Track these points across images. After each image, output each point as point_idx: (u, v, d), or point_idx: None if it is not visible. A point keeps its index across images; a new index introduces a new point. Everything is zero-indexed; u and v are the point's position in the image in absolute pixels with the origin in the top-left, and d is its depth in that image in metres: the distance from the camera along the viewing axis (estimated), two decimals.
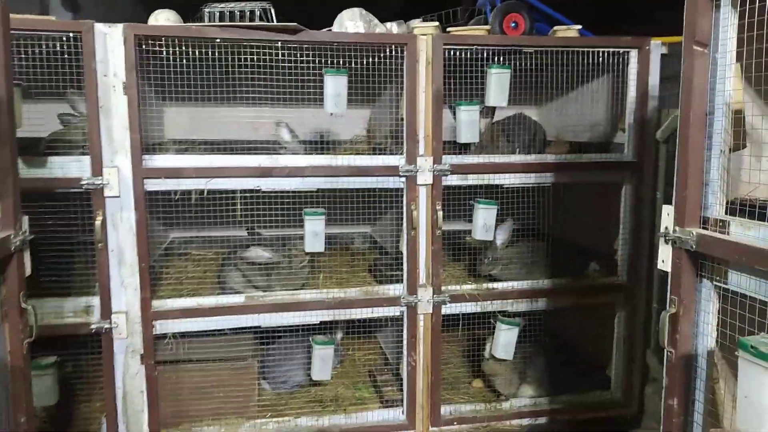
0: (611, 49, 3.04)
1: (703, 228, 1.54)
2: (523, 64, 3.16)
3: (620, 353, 3.23)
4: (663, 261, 1.62)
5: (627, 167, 3.12)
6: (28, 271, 1.70)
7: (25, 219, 1.70)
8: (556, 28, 3.08)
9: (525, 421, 3.14)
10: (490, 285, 3.06)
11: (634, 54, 3.06)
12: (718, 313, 1.52)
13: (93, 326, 2.68)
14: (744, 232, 1.41)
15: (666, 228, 1.60)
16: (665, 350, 1.61)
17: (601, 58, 3.05)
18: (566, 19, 3.28)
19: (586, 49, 3.02)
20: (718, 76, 1.47)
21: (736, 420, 1.28)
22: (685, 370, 1.57)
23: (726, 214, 1.50)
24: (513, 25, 3.11)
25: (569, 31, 3.06)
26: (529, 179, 3.05)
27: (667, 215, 1.60)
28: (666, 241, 1.60)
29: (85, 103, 2.57)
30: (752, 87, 1.53)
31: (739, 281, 1.43)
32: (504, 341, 2.98)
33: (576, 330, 3.61)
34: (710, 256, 1.51)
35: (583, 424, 3.15)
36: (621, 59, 3.09)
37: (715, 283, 1.53)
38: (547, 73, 3.20)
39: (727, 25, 1.46)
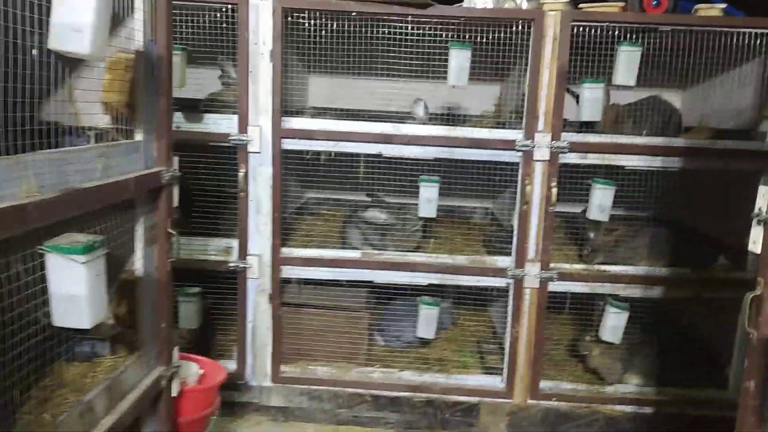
0: (759, 31, 2.83)
1: None
2: (662, 44, 3.04)
3: (742, 354, 3.04)
4: (754, 242, 1.57)
5: (765, 157, 2.90)
6: (175, 202, 2.05)
7: (176, 159, 2.05)
8: (698, 6, 2.92)
9: (628, 408, 3.08)
10: (602, 267, 3.02)
11: None
12: None
13: (231, 265, 3.06)
14: None
15: (759, 208, 1.55)
16: (748, 332, 1.57)
17: (748, 40, 2.85)
18: None
19: (729, 30, 2.84)
20: None
21: None
22: (764, 354, 1.52)
23: None
24: (655, 3, 3.00)
25: (712, 9, 2.88)
26: (654, 162, 2.95)
27: (761, 196, 1.54)
28: (759, 222, 1.55)
29: (236, 68, 2.92)
30: None
31: None
32: (612, 324, 2.94)
33: (696, 324, 3.44)
34: None
35: (693, 421, 3.03)
36: None
37: None
38: (689, 55, 3.04)
39: None
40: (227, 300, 3.20)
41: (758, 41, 2.85)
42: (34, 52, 1.43)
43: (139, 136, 1.88)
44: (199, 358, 2.75)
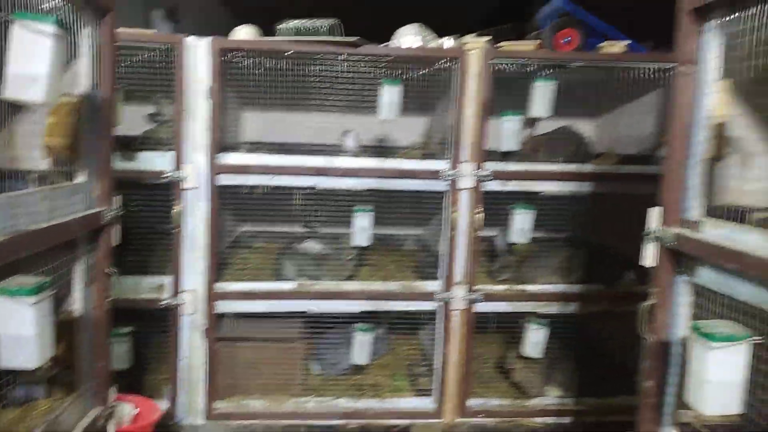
0: (658, 65, 3.15)
1: (682, 228, 1.71)
2: (573, 77, 3.32)
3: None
4: (646, 258, 1.80)
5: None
6: (116, 242, 2.08)
7: (118, 198, 2.08)
8: (603, 43, 3.23)
9: (550, 420, 3.28)
10: (522, 287, 3.24)
11: None
12: (691, 306, 1.68)
13: (164, 302, 3.06)
14: (712, 231, 1.58)
15: (649, 228, 1.78)
16: (645, 337, 1.79)
17: (649, 74, 3.17)
18: (620, 33, 3.40)
19: (632, 65, 3.15)
20: (702, 92, 1.65)
21: (687, 393, 1.46)
22: (661, 356, 1.74)
23: (703, 216, 1.66)
24: (566, 40, 3.28)
25: (615, 46, 3.19)
26: (567, 187, 3.21)
27: (653, 216, 1.78)
28: (650, 240, 1.79)
29: (172, 106, 2.97)
30: (746, 102, 1.68)
31: (707, 276, 1.60)
32: (533, 340, 3.15)
33: (608, 336, 3.71)
34: (685, 252, 1.68)
35: (609, 427, 3.25)
36: (669, 75, 3.17)
37: (688, 277, 1.70)
38: (598, 87, 3.33)
39: (711, 46, 1.64)
40: (159, 338, 3.18)
41: (658, 74, 3.18)
42: None
43: (81, 178, 1.91)
44: (133, 397, 2.73)
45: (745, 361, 1.43)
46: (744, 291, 1.47)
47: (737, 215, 1.60)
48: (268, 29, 3.19)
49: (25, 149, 1.85)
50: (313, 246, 3.31)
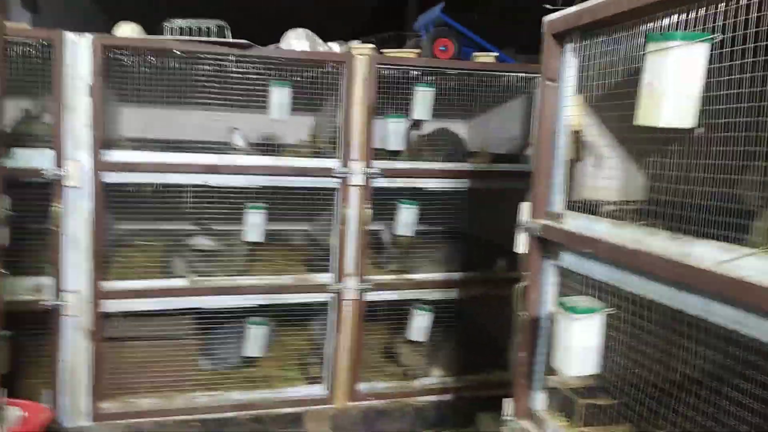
0: (524, 74, 3.52)
1: (548, 220, 2.01)
2: (449, 83, 3.60)
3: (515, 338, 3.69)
4: (520, 246, 2.09)
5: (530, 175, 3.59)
6: (6, 242, 2.01)
7: (5, 198, 2.01)
8: (476, 53, 3.54)
9: (433, 398, 3.55)
10: (408, 276, 3.48)
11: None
12: (558, 285, 1.99)
13: (46, 303, 2.94)
14: (572, 222, 1.89)
15: (521, 219, 2.07)
16: (519, 314, 2.07)
17: (517, 81, 3.52)
18: (490, 45, 3.75)
19: (501, 73, 3.49)
20: (562, 104, 1.95)
21: (554, 359, 1.74)
22: (532, 329, 2.02)
23: (565, 209, 1.96)
24: (442, 48, 3.55)
25: (487, 57, 3.52)
26: (448, 184, 3.49)
27: (524, 210, 2.07)
28: (522, 230, 2.08)
29: (49, 102, 2.86)
30: (597, 113, 1.99)
31: (568, 260, 1.91)
32: (418, 325, 3.40)
33: (485, 318, 4.06)
34: (551, 240, 1.98)
35: (485, 401, 3.56)
36: (533, 82, 3.52)
37: (554, 262, 2.00)
38: (471, 92, 3.64)
39: (569, 66, 1.94)
40: (36, 341, 3.05)
41: (524, 82, 3.54)
42: None
43: None
44: (20, 401, 2.62)
45: (600, 329, 1.73)
46: (598, 270, 1.77)
47: (591, 208, 1.91)
48: (147, 27, 3.14)
49: None
50: (204, 242, 3.32)
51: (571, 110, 1.91)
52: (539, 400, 2.07)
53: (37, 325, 3.00)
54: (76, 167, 2.90)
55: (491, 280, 3.63)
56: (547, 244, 2.02)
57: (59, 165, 2.88)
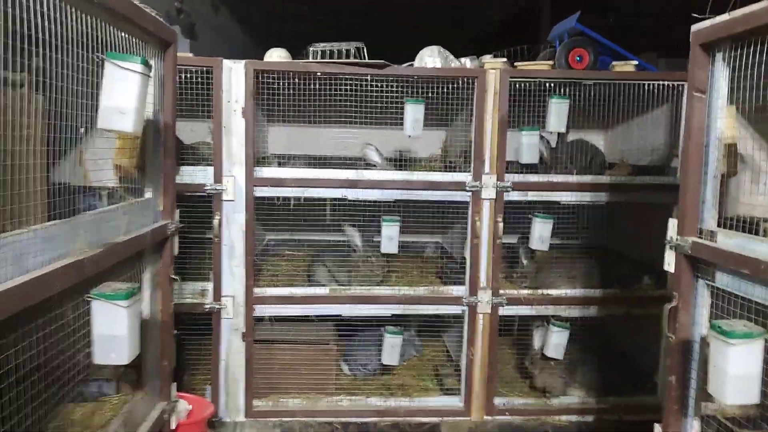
0: (666, 82, 3.34)
1: (699, 237, 1.89)
2: (586, 93, 3.51)
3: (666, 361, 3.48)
4: (668, 264, 1.97)
5: (678, 189, 3.38)
6: (176, 251, 2.27)
7: (177, 212, 2.28)
8: (614, 63, 3.42)
9: (573, 418, 3.45)
10: (545, 291, 3.41)
11: (687, 86, 3.33)
12: (710, 306, 1.86)
13: (207, 306, 3.25)
14: (726, 240, 1.76)
15: (670, 237, 1.96)
16: (668, 336, 1.96)
17: (659, 90, 3.36)
18: (628, 53, 3.59)
19: (642, 81, 3.34)
20: (713, 116, 1.83)
21: (708, 386, 1.63)
22: (683, 353, 1.91)
23: (718, 227, 1.84)
24: (578, 59, 3.46)
25: (626, 66, 3.39)
26: (584, 197, 3.38)
27: (672, 227, 1.96)
28: (670, 248, 1.97)
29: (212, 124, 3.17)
30: (752, 125, 1.86)
31: (723, 280, 1.78)
32: (555, 342, 3.32)
33: (627, 338, 3.86)
34: (702, 259, 1.86)
35: (629, 426, 3.41)
36: (677, 90, 3.37)
37: (707, 281, 1.87)
38: (610, 102, 3.51)
39: (719, 76, 1.82)
40: (197, 340, 3.36)
41: (667, 90, 3.36)
42: (82, 130, 1.65)
43: (148, 194, 2.11)
44: (186, 395, 2.91)
45: (761, 356, 1.60)
46: (758, 293, 1.65)
47: (749, 225, 1.78)
48: (291, 52, 3.38)
49: (96, 168, 2.04)
50: (356, 242, 3.48)
51: (723, 122, 1.80)
52: (693, 428, 1.95)
53: (199, 327, 3.32)
54: (232, 182, 3.18)
55: (635, 298, 3.46)
56: (698, 262, 1.91)
57: (218, 181, 3.17)
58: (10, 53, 1.35)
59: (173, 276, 2.24)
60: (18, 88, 1.64)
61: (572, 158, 3.63)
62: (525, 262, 3.53)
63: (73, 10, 1.56)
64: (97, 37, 1.73)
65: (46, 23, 1.45)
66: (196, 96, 3.20)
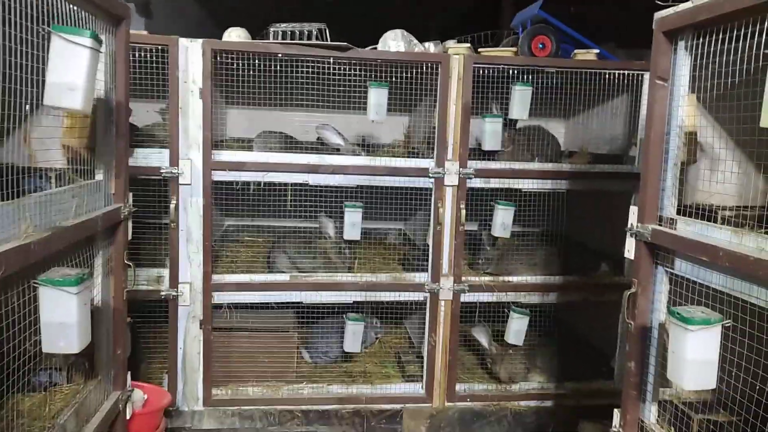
0: (627, 72, 3.37)
1: (659, 225, 1.91)
2: (547, 81, 3.52)
3: (624, 347, 3.54)
4: (628, 251, 2.00)
5: (636, 177, 3.44)
6: (130, 236, 2.18)
7: (131, 195, 2.18)
8: (576, 51, 3.43)
9: (532, 403, 3.49)
10: (506, 278, 3.43)
11: (647, 76, 3.37)
12: (669, 293, 1.89)
13: (162, 293, 3.16)
14: (685, 227, 1.79)
15: (631, 224, 1.98)
16: (627, 322, 1.99)
17: (619, 79, 3.38)
18: (590, 41, 3.61)
19: (603, 70, 3.36)
20: (674, 105, 1.85)
21: (667, 371, 1.65)
22: (642, 339, 1.94)
23: (678, 215, 1.86)
24: (540, 46, 3.46)
25: (588, 54, 3.41)
26: (545, 185, 3.41)
27: (632, 214, 1.98)
28: (630, 235, 1.99)
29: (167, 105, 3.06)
30: (712, 113, 1.88)
31: (682, 267, 1.81)
32: (515, 329, 3.34)
33: (585, 324, 3.93)
34: (662, 246, 1.88)
35: (587, 410, 3.46)
36: (636, 80, 3.40)
37: (666, 268, 1.90)
38: (570, 90, 3.53)
39: (681, 64, 1.83)
40: (154, 328, 3.27)
41: (627, 80, 3.39)
42: (27, 107, 1.55)
43: (99, 176, 2.01)
44: (142, 384, 2.84)
45: (718, 342, 1.63)
46: (716, 279, 1.68)
47: (706, 213, 1.80)
48: (251, 32, 3.28)
49: (42, 148, 1.93)
50: (329, 231, 3.43)
51: (684, 111, 1.81)
52: (650, 413, 1.98)
53: (155, 314, 3.23)
54: (189, 166, 3.08)
55: (593, 285, 3.51)
56: (658, 249, 1.93)
57: (174, 164, 3.06)
58: None
59: (127, 262, 2.15)
60: None
61: (528, 145, 3.65)
62: (488, 248, 3.54)
63: None
64: (43, 8, 1.63)
65: None
66: (151, 76, 3.08)
